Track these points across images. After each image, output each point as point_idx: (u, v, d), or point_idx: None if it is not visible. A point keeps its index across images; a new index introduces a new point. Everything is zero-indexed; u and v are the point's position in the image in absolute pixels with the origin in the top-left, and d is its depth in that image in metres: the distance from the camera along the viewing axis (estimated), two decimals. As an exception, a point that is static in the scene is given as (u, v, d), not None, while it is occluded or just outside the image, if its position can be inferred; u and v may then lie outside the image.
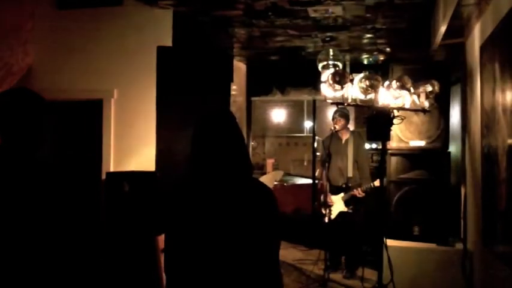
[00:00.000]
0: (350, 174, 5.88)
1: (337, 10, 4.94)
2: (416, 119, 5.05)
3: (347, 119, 5.99)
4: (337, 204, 5.90)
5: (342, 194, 5.89)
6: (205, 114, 2.03)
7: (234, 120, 2.02)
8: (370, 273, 5.50)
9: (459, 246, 4.82)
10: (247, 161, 2.00)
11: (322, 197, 5.99)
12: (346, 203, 5.85)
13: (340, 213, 5.91)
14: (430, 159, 5.07)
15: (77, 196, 2.00)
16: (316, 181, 8.04)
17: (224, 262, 1.86)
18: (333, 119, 5.94)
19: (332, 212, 5.87)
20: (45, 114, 2.04)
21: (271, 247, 1.95)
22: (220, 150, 1.93)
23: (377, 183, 5.55)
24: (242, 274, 1.87)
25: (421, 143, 5.10)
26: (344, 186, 5.87)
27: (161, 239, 4.14)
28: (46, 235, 1.88)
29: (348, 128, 6.10)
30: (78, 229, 1.97)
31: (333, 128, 5.89)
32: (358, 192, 5.72)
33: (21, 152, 1.96)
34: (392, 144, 5.16)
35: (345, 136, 6.01)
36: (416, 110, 4.51)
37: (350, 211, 5.85)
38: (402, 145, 5.17)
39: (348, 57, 7.14)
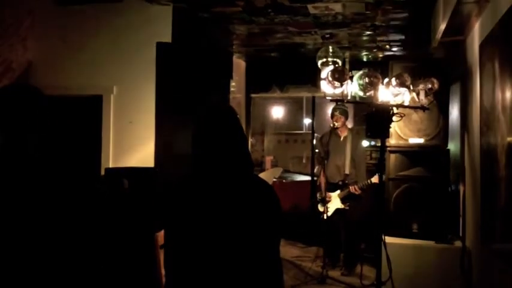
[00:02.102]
0: (347, 171, 5.89)
1: (336, 7, 4.94)
2: (416, 116, 5.05)
3: (346, 116, 6.00)
4: (334, 201, 5.90)
5: (338, 191, 5.89)
6: (207, 110, 2.02)
7: (235, 116, 2.02)
8: (368, 271, 5.52)
9: (458, 243, 4.82)
10: (248, 158, 1.99)
11: (318, 194, 6.01)
12: (343, 200, 5.86)
13: (337, 210, 5.91)
14: (429, 157, 5.07)
15: (75, 192, 2.00)
16: (315, 178, 8.04)
17: (224, 259, 1.86)
18: (333, 116, 5.94)
19: (329, 209, 5.88)
20: (46, 110, 2.03)
21: (272, 244, 1.94)
22: (221, 146, 1.93)
23: (374, 179, 5.56)
24: (242, 271, 1.87)
25: (420, 141, 5.10)
26: (341, 183, 5.88)
27: (161, 235, 4.14)
28: (44, 232, 1.88)
29: (347, 126, 6.10)
30: (76, 225, 1.97)
31: (332, 125, 5.89)
32: (355, 189, 5.73)
33: (22, 148, 1.95)
34: (392, 141, 5.16)
35: (344, 133, 6.01)
36: (415, 108, 4.52)
37: (346, 208, 5.86)
38: (401, 142, 5.17)
39: (347, 54, 7.14)
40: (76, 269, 1.95)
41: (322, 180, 6.03)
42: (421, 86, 4.35)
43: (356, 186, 5.74)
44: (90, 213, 2.05)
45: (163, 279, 3.97)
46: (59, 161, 2.02)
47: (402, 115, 4.41)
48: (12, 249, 1.84)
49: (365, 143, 6.44)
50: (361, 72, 4.30)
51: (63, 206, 1.92)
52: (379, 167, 4.51)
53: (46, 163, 1.98)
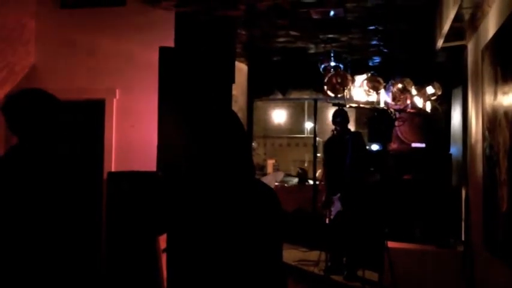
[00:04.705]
0: (348, 174, 5.87)
1: (339, 12, 4.94)
2: (418, 120, 5.06)
3: (347, 120, 5.99)
4: (336, 205, 5.89)
5: (339, 194, 5.88)
6: (208, 114, 2.02)
7: (238, 119, 2.02)
8: (370, 275, 5.51)
9: (460, 248, 4.82)
10: (249, 162, 2.00)
11: (324, 198, 6.00)
12: (344, 202, 5.83)
13: (339, 214, 5.89)
14: (431, 161, 5.08)
15: (80, 195, 2.01)
16: (317, 182, 8.04)
17: (227, 263, 1.86)
18: (334, 122, 5.93)
19: (331, 213, 5.87)
20: (61, 114, 2.07)
21: (274, 248, 1.95)
22: (223, 150, 1.93)
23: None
24: (245, 276, 1.87)
25: (422, 145, 5.11)
26: (343, 185, 5.86)
27: (162, 239, 4.15)
28: (48, 234, 1.89)
29: (349, 129, 6.10)
30: (80, 227, 1.98)
31: (334, 130, 5.90)
32: (358, 190, 5.67)
33: (38, 152, 1.97)
34: (394, 145, 5.17)
35: (346, 136, 6.00)
36: (418, 112, 4.53)
37: (346, 211, 5.82)
38: (403, 146, 5.18)
39: (349, 58, 7.14)
40: (78, 271, 1.96)
41: (325, 184, 6.02)
42: (423, 91, 4.37)
43: (359, 187, 5.69)
44: (93, 216, 2.06)
45: (165, 283, 3.97)
46: (75, 161, 2.05)
47: (404, 119, 4.42)
48: (14, 249, 1.85)
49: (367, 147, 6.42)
50: (363, 77, 4.31)
51: (68, 208, 1.93)
52: (381, 171, 4.52)
53: (64, 164, 2.00)
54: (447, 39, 4.43)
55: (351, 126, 6.41)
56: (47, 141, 2.00)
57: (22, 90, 2.13)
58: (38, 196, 1.88)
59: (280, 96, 8.27)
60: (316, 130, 8.87)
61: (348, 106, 4.38)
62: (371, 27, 5.52)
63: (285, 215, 2.01)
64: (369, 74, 4.34)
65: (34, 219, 1.86)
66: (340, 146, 6.00)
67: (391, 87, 4.42)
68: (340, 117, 5.85)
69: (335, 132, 5.90)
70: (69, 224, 1.92)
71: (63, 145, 2.05)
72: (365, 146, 6.18)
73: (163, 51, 5.01)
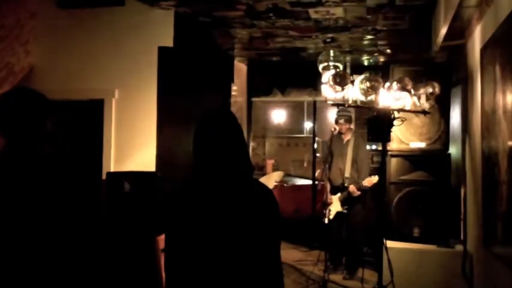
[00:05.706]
0: (348, 174, 5.88)
1: (338, 11, 4.95)
2: (417, 120, 5.06)
3: (351, 122, 5.99)
4: (336, 205, 5.90)
5: (339, 194, 5.88)
6: (206, 114, 2.03)
7: (235, 120, 2.02)
8: (370, 274, 5.51)
9: (459, 247, 4.82)
10: (248, 162, 2.00)
11: (324, 197, 5.99)
12: (343, 203, 5.83)
13: (339, 214, 5.90)
14: (431, 161, 5.08)
15: (78, 195, 2.00)
16: (316, 182, 8.03)
17: (224, 263, 1.86)
18: (337, 122, 5.92)
19: (331, 213, 5.87)
20: (49, 114, 2.04)
21: (271, 248, 1.94)
22: (221, 150, 1.93)
23: (366, 182, 5.52)
24: (243, 275, 1.87)
25: (422, 145, 5.11)
26: (341, 186, 5.87)
27: (161, 239, 4.14)
28: (48, 235, 1.88)
29: (351, 129, 6.09)
30: (79, 228, 1.98)
31: (333, 129, 5.89)
32: (353, 190, 5.68)
33: (27, 153, 1.96)
34: (393, 145, 5.16)
35: (347, 137, 6.01)
36: (416, 112, 4.52)
37: (345, 211, 5.83)
38: (402, 146, 5.18)
39: (348, 58, 7.14)
40: (76, 272, 1.95)
41: (326, 183, 6.02)
42: (422, 90, 4.36)
43: (354, 187, 5.69)
44: (91, 216, 2.05)
45: (164, 283, 3.96)
46: (66, 163, 2.03)
47: (403, 119, 4.41)
48: (12, 249, 1.84)
49: (367, 147, 6.42)
50: (362, 76, 4.30)
51: (66, 209, 1.92)
52: (380, 171, 4.52)
53: (53, 164, 1.99)
54: (446, 38, 4.43)
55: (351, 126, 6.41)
56: (32, 142, 1.97)
57: (10, 90, 2.10)
58: (24, 200, 1.87)
59: (279, 95, 8.27)
60: (316, 130, 8.88)
61: (346, 106, 4.38)
62: (370, 27, 5.52)
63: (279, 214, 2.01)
64: (368, 74, 4.33)
65: (22, 222, 1.85)
66: (341, 146, 6.00)
67: (390, 87, 4.41)
68: (343, 117, 5.85)
69: (335, 131, 5.89)
70: (61, 224, 1.91)
71: (49, 146, 2.02)
72: (366, 146, 6.18)
73: (162, 51, 5.01)
